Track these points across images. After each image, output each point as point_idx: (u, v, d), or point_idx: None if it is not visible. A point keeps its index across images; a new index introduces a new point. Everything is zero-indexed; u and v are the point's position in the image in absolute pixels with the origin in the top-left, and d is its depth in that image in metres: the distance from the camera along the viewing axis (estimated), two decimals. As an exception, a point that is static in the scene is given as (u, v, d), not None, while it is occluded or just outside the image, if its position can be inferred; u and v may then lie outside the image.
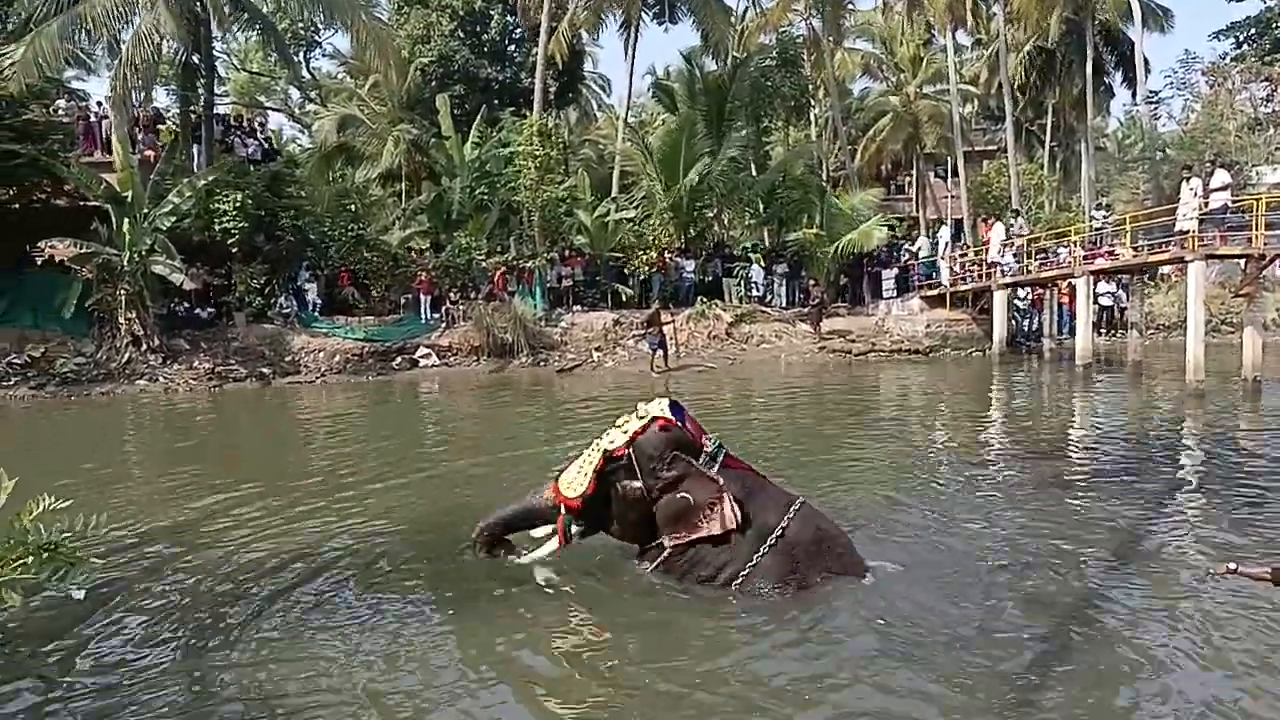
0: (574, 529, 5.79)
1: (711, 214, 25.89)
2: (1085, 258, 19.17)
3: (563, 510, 5.71)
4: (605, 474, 5.58)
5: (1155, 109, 36.87)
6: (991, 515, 7.41)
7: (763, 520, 5.46)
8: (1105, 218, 25.03)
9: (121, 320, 18.10)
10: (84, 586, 3.10)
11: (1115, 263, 19.24)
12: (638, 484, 5.56)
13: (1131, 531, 6.92)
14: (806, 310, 22.54)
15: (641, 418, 5.67)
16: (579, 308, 22.60)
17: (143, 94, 21.66)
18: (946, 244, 23.71)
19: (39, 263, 19.65)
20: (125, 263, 17.91)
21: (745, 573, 5.37)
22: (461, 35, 27.28)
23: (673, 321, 20.63)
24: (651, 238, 23.98)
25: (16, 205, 18.83)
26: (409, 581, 6.08)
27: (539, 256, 22.29)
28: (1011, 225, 22.78)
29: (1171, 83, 37.77)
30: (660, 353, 19.13)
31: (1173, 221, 16.61)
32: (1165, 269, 22.13)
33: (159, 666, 4.84)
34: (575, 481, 5.61)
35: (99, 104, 22.62)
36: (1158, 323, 23.59)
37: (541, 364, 20.25)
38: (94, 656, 4.99)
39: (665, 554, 5.63)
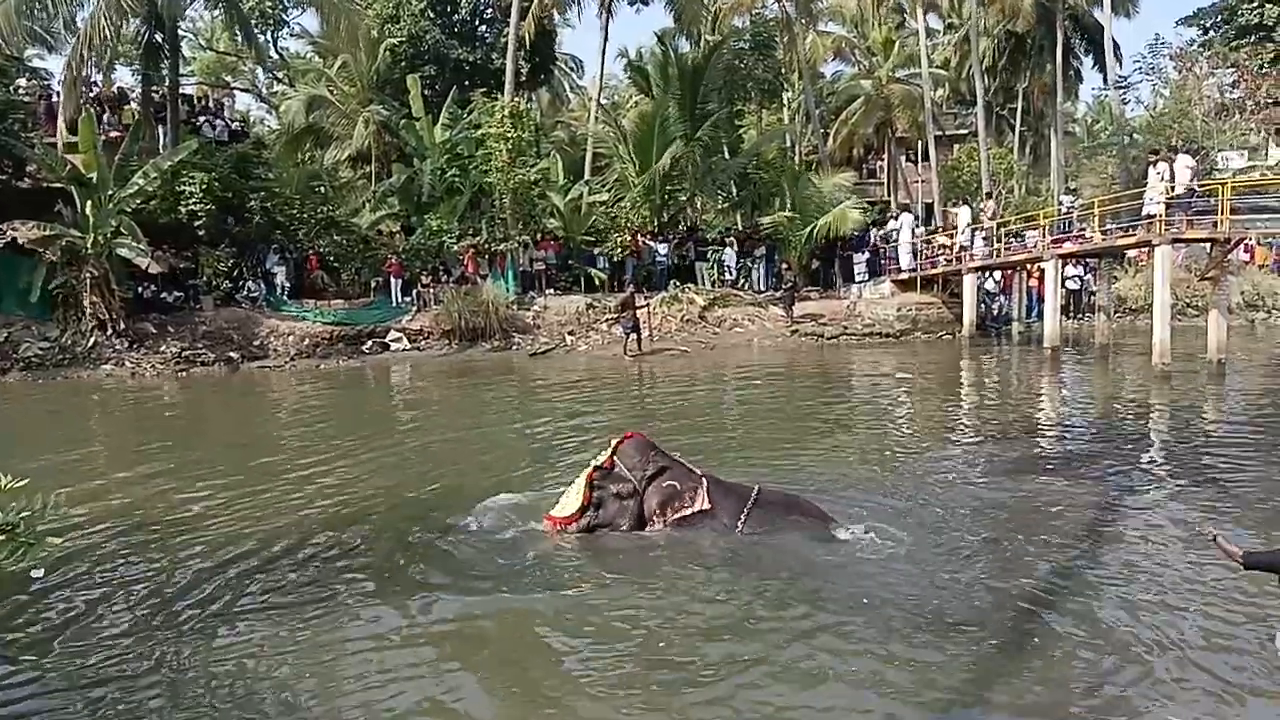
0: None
1: (685, 197, 25.83)
2: (1054, 241, 19.32)
3: (558, 530, 6.42)
4: (595, 484, 6.40)
5: (1124, 94, 37.24)
6: (960, 494, 7.49)
7: (739, 493, 6.40)
8: (1074, 202, 25.25)
9: (86, 304, 17.74)
10: (42, 565, 3.03)
11: (1083, 246, 19.42)
12: (628, 480, 6.37)
13: (1098, 510, 7.01)
14: (779, 294, 22.56)
15: (615, 441, 6.58)
16: (551, 291, 22.47)
17: (100, 74, 21.19)
18: (899, 231, 23.64)
19: (1, 245, 19.24)
20: (90, 245, 17.55)
21: (739, 527, 6.17)
22: (432, 15, 26.88)
23: (647, 305, 20.58)
24: (624, 221, 23.89)
25: (-24, 186, 18.40)
26: (374, 565, 6.03)
27: (511, 239, 22.13)
28: (982, 210, 22.87)
29: (1140, 68, 38.05)
30: (634, 337, 19.08)
31: (1140, 206, 16.78)
32: (1132, 253, 22.37)
33: (110, 646, 4.80)
34: (569, 502, 6.43)
35: (60, 83, 22.13)
36: (1125, 306, 23.87)
37: (514, 348, 20.14)
38: (44, 634, 4.91)
39: None
